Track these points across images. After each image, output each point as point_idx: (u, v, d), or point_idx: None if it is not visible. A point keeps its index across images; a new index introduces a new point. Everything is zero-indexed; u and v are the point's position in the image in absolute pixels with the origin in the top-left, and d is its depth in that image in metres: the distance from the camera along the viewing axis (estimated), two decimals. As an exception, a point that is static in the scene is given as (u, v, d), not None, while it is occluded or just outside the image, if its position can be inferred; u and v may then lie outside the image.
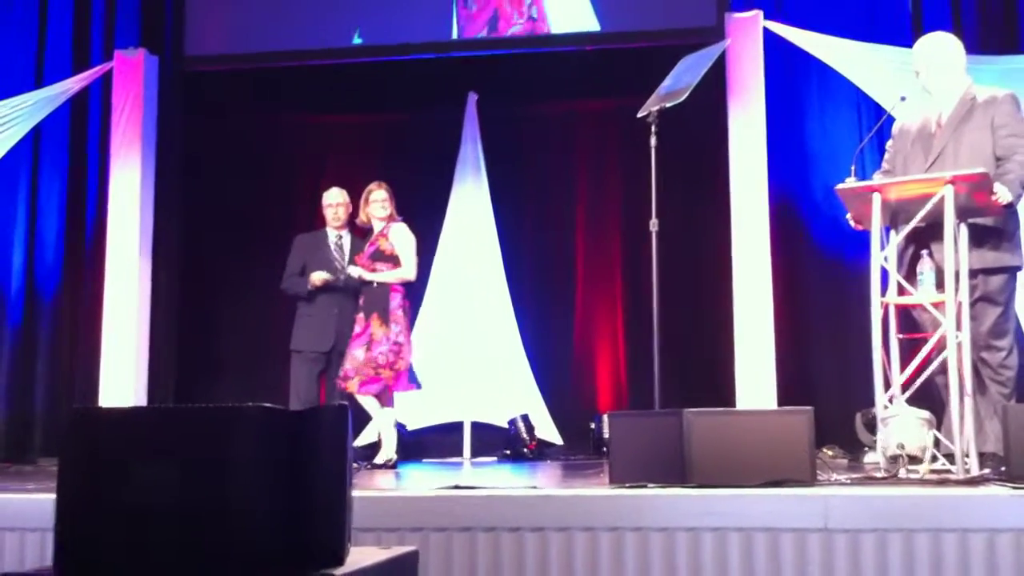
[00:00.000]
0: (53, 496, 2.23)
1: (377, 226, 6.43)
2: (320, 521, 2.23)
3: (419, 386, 6.41)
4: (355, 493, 2.44)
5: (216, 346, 8.17)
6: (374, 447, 6.76)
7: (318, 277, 6.42)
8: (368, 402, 6.22)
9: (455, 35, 7.62)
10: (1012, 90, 4.72)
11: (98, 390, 7.28)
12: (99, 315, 7.44)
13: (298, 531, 2.22)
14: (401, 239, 6.38)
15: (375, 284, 6.28)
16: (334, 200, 6.69)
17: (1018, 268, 4.63)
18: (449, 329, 7.83)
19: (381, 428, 6.31)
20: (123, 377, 7.29)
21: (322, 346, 6.44)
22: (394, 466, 6.14)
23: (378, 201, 6.40)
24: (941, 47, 4.82)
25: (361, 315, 6.26)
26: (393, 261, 6.32)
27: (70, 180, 7.85)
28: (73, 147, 7.89)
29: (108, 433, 2.30)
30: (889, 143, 4.97)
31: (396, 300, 6.26)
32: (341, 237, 6.67)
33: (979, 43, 6.66)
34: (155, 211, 7.67)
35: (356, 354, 6.18)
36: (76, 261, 7.79)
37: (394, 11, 7.64)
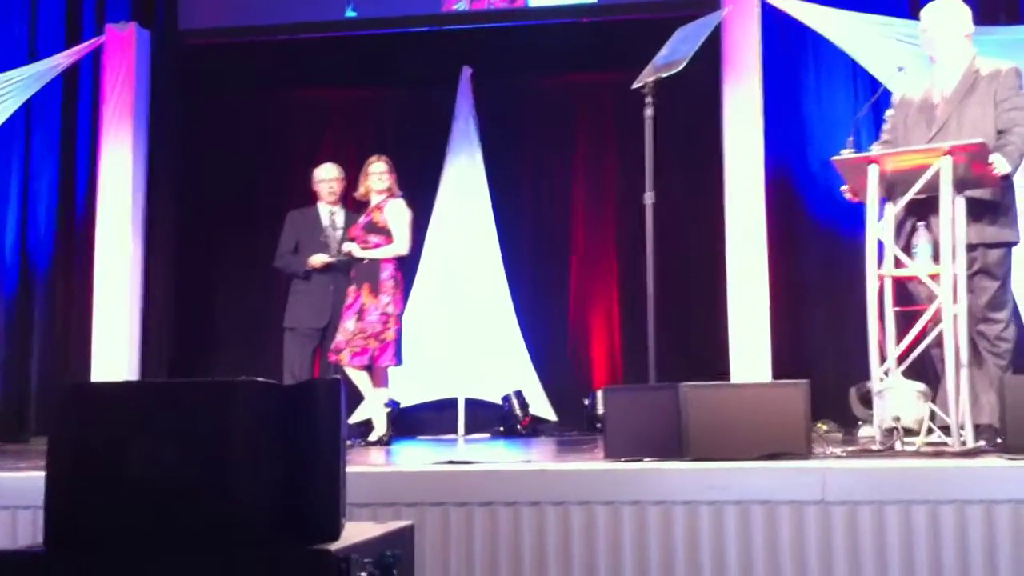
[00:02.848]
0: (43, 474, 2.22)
1: (375, 199, 6.39)
2: (315, 496, 2.22)
3: (399, 362, 6.33)
4: (350, 469, 2.42)
5: (211, 321, 8.15)
6: (368, 424, 6.74)
7: (318, 260, 6.37)
8: (360, 379, 6.20)
9: (450, 6, 7.57)
10: (1015, 63, 4.68)
11: (90, 368, 7.25)
12: (91, 293, 7.41)
13: (293, 506, 2.20)
14: (395, 213, 6.34)
15: (365, 261, 6.26)
16: (328, 175, 6.64)
17: (1016, 243, 4.62)
18: (443, 305, 7.80)
19: (372, 407, 6.30)
20: (116, 353, 7.27)
21: (317, 323, 6.41)
22: (388, 443, 6.13)
23: (375, 173, 6.36)
24: (950, 14, 4.76)
25: (353, 287, 6.24)
26: (386, 235, 6.29)
27: (62, 155, 7.81)
28: (65, 122, 7.84)
29: (101, 408, 2.28)
30: (888, 112, 4.93)
31: (388, 271, 6.24)
32: (334, 213, 6.62)
33: (979, 14, 6.58)
34: (147, 186, 7.64)
35: (347, 325, 6.16)
36: (68, 237, 7.76)
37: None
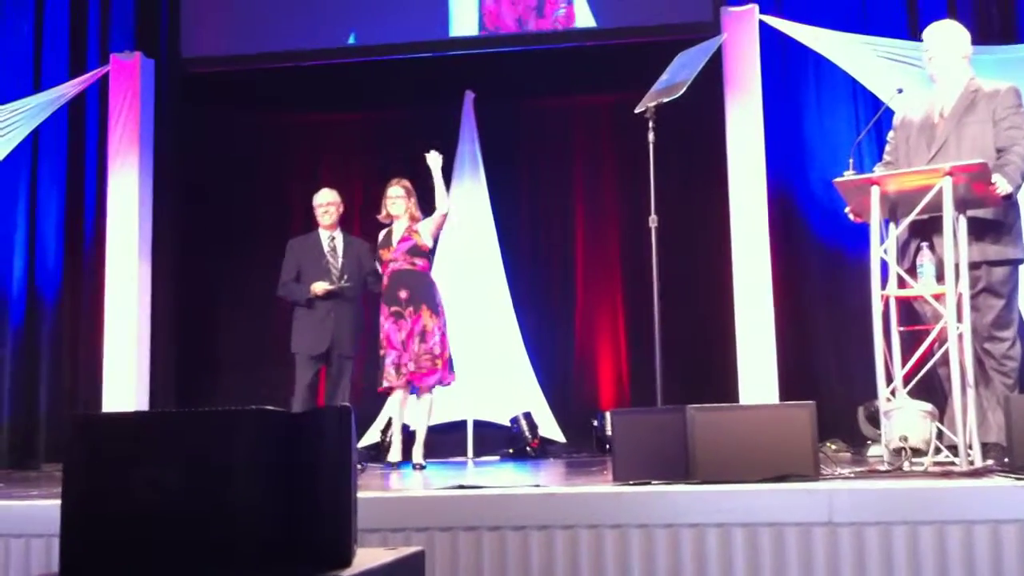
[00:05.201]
0: (58, 502, 2.23)
1: (402, 224, 6.43)
2: (325, 522, 2.23)
3: (455, 377, 6.46)
4: (360, 494, 2.43)
5: (217, 348, 8.18)
6: (379, 448, 6.76)
7: (320, 288, 6.33)
8: (411, 401, 6.30)
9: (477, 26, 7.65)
10: (1012, 82, 4.72)
11: (100, 394, 7.28)
12: (100, 319, 7.45)
13: (303, 533, 2.22)
14: (426, 225, 6.46)
15: (415, 274, 6.34)
16: (324, 200, 6.61)
17: (1020, 260, 4.63)
18: (449, 327, 7.80)
19: (420, 428, 6.34)
20: (125, 380, 7.30)
21: (316, 349, 6.35)
22: (423, 467, 6.21)
23: (390, 198, 6.44)
24: (952, 35, 4.82)
25: (410, 308, 6.26)
26: (427, 256, 6.44)
27: (69, 184, 7.87)
28: (71, 151, 7.91)
29: (110, 438, 2.29)
30: (890, 134, 4.97)
31: (439, 293, 6.40)
32: (334, 238, 6.58)
33: (975, 34, 6.62)
34: (154, 214, 7.69)
35: (412, 347, 6.21)
36: (76, 265, 7.80)
37: (389, 11, 7.65)
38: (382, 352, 6.28)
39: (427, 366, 6.20)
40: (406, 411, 6.37)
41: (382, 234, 6.49)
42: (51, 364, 7.73)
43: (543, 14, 7.62)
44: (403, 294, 6.29)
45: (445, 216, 6.52)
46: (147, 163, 7.65)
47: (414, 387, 6.30)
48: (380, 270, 6.45)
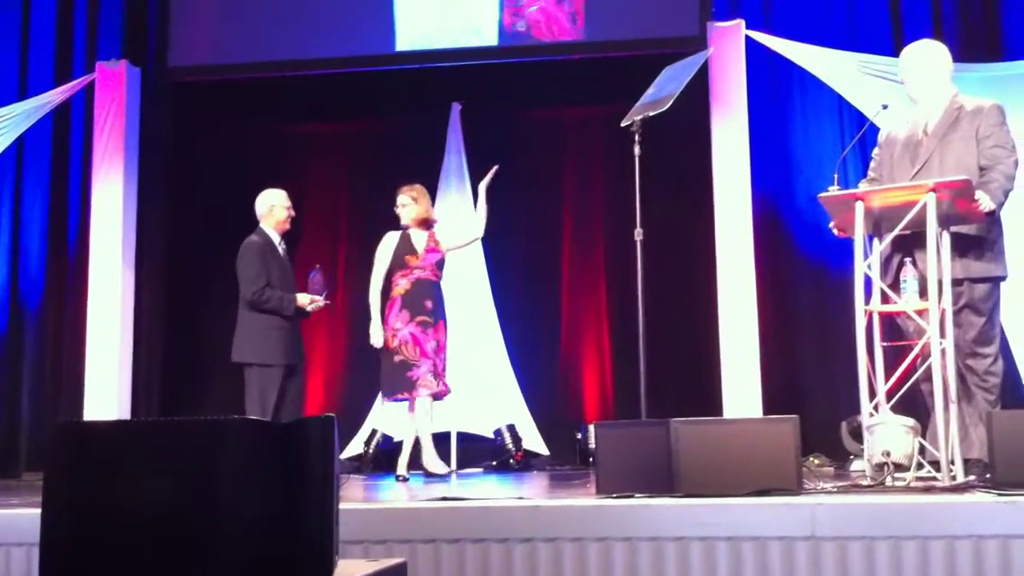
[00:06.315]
0: (38, 511, 2.22)
1: (419, 234, 6.38)
2: (307, 534, 2.22)
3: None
4: (342, 505, 2.43)
5: (201, 356, 8.13)
6: (361, 459, 6.71)
7: (316, 306, 6.16)
8: (426, 410, 6.21)
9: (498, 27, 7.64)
10: (996, 100, 4.75)
11: (83, 402, 7.24)
12: (83, 326, 7.42)
13: (285, 544, 2.21)
14: (447, 237, 6.47)
15: (438, 286, 6.32)
16: (290, 202, 6.31)
17: (1003, 278, 4.65)
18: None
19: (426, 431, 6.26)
20: (108, 388, 7.27)
21: (292, 358, 6.09)
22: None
23: (398, 205, 6.41)
24: (928, 54, 4.84)
25: (442, 321, 6.26)
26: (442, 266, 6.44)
27: (53, 192, 7.85)
28: (56, 159, 7.88)
29: (92, 447, 2.28)
30: (875, 151, 4.99)
31: None
32: (282, 243, 6.27)
33: (960, 51, 6.69)
34: (138, 222, 7.66)
35: (443, 356, 6.24)
36: (60, 273, 7.77)
37: (378, 21, 7.66)
38: (400, 359, 6.12)
39: (444, 375, 6.25)
40: (419, 421, 6.20)
41: (397, 237, 6.37)
42: (33, 371, 7.69)
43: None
44: (429, 304, 6.23)
45: (474, 242, 6.62)
46: (132, 171, 7.62)
47: (440, 396, 6.23)
48: (398, 273, 6.28)
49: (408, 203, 6.39)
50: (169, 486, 2.18)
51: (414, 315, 6.18)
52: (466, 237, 6.57)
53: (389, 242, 6.39)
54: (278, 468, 2.23)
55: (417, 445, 6.23)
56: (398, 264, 6.32)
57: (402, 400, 6.23)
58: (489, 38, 7.65)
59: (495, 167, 6.36)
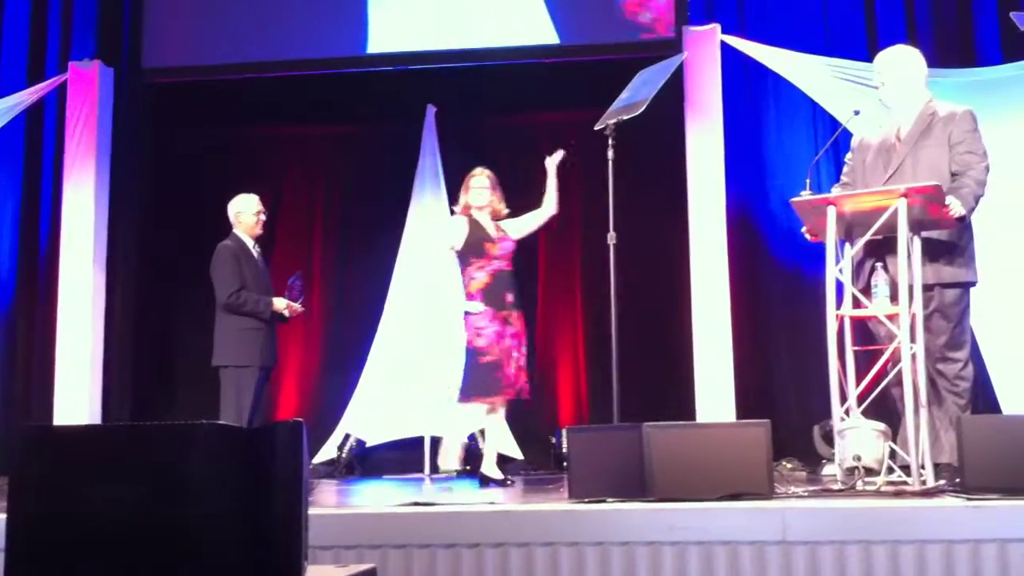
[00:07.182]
0: (3, 516, 2.20)
1: (487, 221, 6.03)
2: (276, 539, 2.21)
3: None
4: (312, 510, 2.42)
5: (173, 359, 8.09)
6: (334, 464, 6.67)
7: (294, 311, 6.14)
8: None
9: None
10: (969, 106, 4.77)
11: (53, 405, 7.17)
12: (54, 330, 7.34)
13: (255, 549, 2.19)
14: (518, 223, 6.11)
15: (515, 276, 6.00)
16: (262, 206, 6.29)
17: (973, 283, 4.68)
18: (408, 344, 7.79)
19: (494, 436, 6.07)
20: (78, 393, 7.19)
21: (269, 361, 6.13)
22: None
23: (475, 188, 6.04)
24: (902, 60, 4.87)
25: (520, 311, 5.95)
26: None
27: (24, 193, 7.78)
28: (28, 160, 7.81)
29: (61, 452, 2.27)
30: (848, 156, 5.02)
31: None
32: (256, 246, 6.26)
33: (934, 57, 6.72)
34: (110, 224, 7.59)
35: (522, 351, 5.90)
36: (30, 275, 7.70)
37: (352, 23, 7.64)
38: (487, 360, 5.80)
39: (526, 374, 5.92)
40: (493, 424, 6.01)
41: (464, 223, 6.03)
42: (3, 374, 7.62)
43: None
44: (509, 297, 5.91)
45: (548, 218, 6.16)
46: (104, 173, 7.56)
47: (524, 394, 5.94)
48: (474, 263, 5.95)
49: (488, 185, 6.05)
50: (137, 491, 2.17)
51: (499, 310, 5.85)
52: (539, 219, 6.12)
53: (459, 223, 6.03)
54: (247, 473, 2.22)
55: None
56: (473, 250, 5.95)
57: (484, 403, 5.92)
58: (465, 41, 7.65)
59: (561, 151, 6.05)
